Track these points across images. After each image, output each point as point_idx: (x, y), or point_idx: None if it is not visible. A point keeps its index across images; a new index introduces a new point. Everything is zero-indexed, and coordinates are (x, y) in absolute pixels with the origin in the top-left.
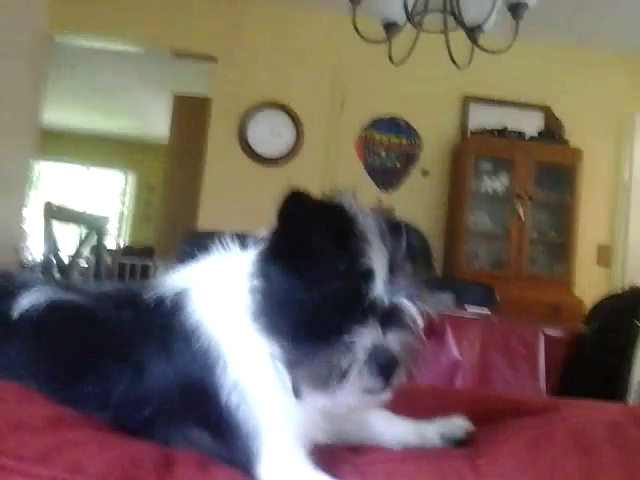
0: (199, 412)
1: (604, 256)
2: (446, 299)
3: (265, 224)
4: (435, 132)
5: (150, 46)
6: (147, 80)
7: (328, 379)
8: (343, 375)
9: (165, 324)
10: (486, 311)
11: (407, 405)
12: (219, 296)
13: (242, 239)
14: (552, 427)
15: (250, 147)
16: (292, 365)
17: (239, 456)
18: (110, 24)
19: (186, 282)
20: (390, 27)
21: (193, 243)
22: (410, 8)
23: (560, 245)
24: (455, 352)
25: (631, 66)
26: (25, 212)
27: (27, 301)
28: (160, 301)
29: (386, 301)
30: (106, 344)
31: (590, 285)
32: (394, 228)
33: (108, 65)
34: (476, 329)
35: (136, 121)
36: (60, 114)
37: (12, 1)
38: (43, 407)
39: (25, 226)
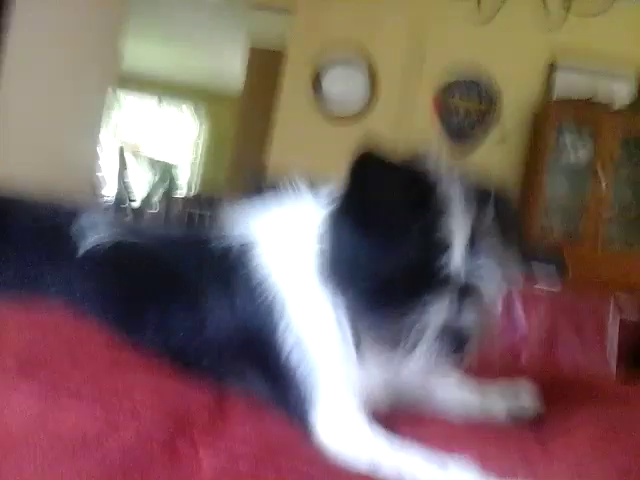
0: (259, 364)
1: None
2: (515, 266)
3: (337, 177)
4: (517, 97)
5: None
6: (223, 29)
7: (395, 347)
8: (411, 346)
9: (229, 275)
10: (557, 286)
11: (471, 372)
12: (286, 252)
13: (312, 185)
14: (626, 402)
15: (323, 101)
16: (360, 327)
17: (294, 404)
18: None
19: (253, 233)
20: None
21: (261, 185)
22: None
23: None
24: (522, 328)
25: None
26: (101, 146)
27: (94, 240)
28: (226, 251)
29: (462, 277)
30: (170, 288)
31: None
32: (482, 196)
33: (188, 10)
34: (546, 304)
35: (211, 70)
36: (142, 57)
37: None
38: (105, 347)
39: (100, 160)
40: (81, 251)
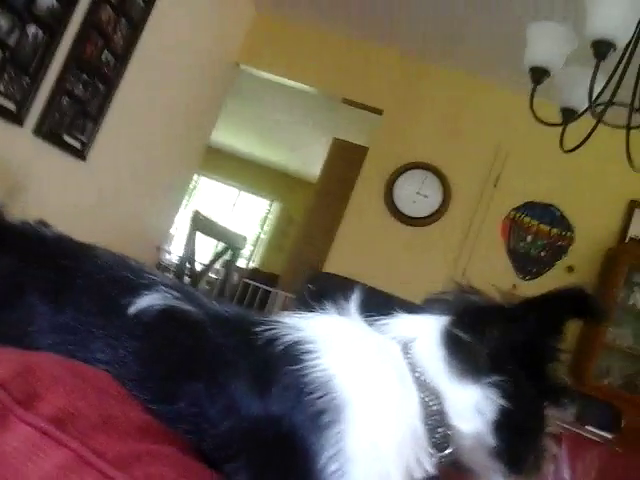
0: (285, 465)
1: None
2: (567, 413)
3: (407, 285)
4: (590, 230)
5: (322, 90)
6: (312, 121)
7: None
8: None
9: (276, 365)
10: (608, 435)
11: None
12: (363, 359)
13: (384, 300)
14: None
15: (394, 203)
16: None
17: None
18: (290, 64)
19: (313, 330)
20: (567, 113)
21: (318, 284)
22: (594, 97)
23: None
24: (566, 475)
25: None
26: (176, 218)
27: (145, 301)
28: (277, 340)
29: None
30: (205, 366)
31: None
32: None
33: (280, 100)
34: (594, 453)
35: (293, 156)
36: (227, 135)
37: (210, 32)
38: (134, 411)
39: (172, 230)
40: (132, 310)
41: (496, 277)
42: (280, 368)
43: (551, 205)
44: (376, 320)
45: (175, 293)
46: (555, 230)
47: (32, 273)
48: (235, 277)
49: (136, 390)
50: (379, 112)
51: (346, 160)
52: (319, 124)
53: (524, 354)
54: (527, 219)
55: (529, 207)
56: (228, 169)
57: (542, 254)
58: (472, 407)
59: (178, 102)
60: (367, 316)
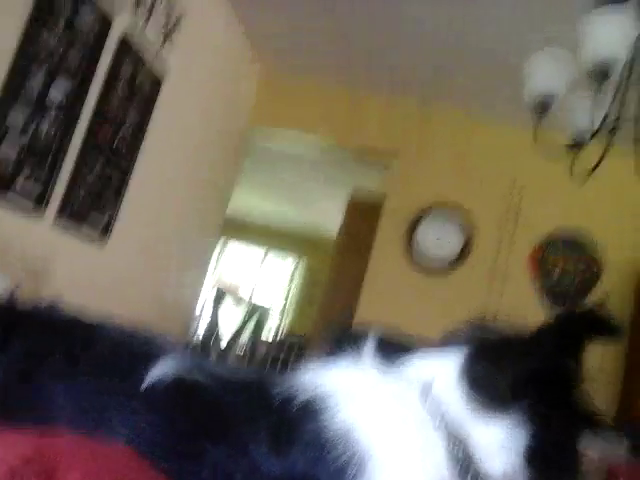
0: None
1: None
2: (619, 446)
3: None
4: (619, 258)
5: (333, 144)
6: (327, 180)
7: None
8: None
9: (296, 424)
10: None
11: None
12: (382, 409)
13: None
14: None
15: (416, 250)
16: None
17: None
18: (303, 119)
19: (331, 385)
20: (576, 141)
21: (344, 339)
22: (599, 123)
23: None
24: None
25: None
26: (203, 290)
27: (157, 373)
28: (295, 399)
29: None
30: (228, 431)
31: None
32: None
33: (295, 163)
34: None
35: (312, 213)
36: (246, 198)
37: (222, 97)
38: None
39: (200, 300)
40: (147, 380)
41: (531, 317)
42: (299, 426)
43: (575, 234)
44: (392, 365)
45: (188, 362)
46: (583, 259)
47: (44, 354)
48: (262, 351)
49: (153, 457)
50: (391, 160)
51: (364, 213)
52: (333, 182)
53: (546, 381)
54: (553, 252)
55: (553, 239)
56: (252, 234)
57: (574, 286)
58: (498, 444)
59: (196, 173)
60: (383, 362)
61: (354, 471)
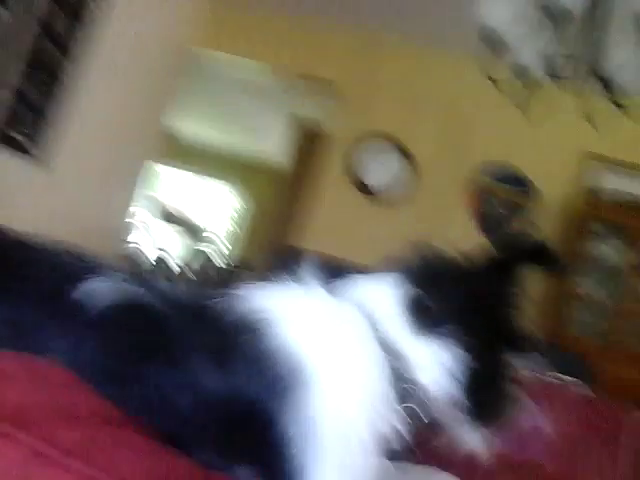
0: (250, 436)
1: None
2: (535, 359)
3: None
4: (553, 187)
5: (276, 70)
6: (269, 104)
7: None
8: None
9: (233, 336)
10: (585, 385)
11: (476, 472)
12: (322, 323)
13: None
14: None
15: (358, 178)
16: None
17: None
18: (245, 43)
19: (267, 300)
20: (522, 74)
21: (285, 263)
22: (546, 58)
23: None
24: (537, 420)
25: None
26: (134, 209)
27: (93, 286)
28: (239, 317)
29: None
30: (163, 345)
31: None
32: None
33: (238, 89)
34: (565, 400)
35: (254, 139)
36: (185, 123)
37: (159, 16)
38: (89, 398)
39: (133, 221)
40: (79, 295)
41: (467, 244)
42: (241, 344)
43: (513, 165)
44: (333, 285)
45: (123, 276)
46: (517, 193)
47: None
48: (208, 270)
49: (91, 377)
50: (335, 88)
51: (307, 138)
52: (276, 104)
53: (483, 305)
54: (492, 183)
55: (492, 171)
56: (192, 158)
57: (509, 215)
58: (434, 361)
59: (132, 91)
60: (323, 283)
61: (292, 383)
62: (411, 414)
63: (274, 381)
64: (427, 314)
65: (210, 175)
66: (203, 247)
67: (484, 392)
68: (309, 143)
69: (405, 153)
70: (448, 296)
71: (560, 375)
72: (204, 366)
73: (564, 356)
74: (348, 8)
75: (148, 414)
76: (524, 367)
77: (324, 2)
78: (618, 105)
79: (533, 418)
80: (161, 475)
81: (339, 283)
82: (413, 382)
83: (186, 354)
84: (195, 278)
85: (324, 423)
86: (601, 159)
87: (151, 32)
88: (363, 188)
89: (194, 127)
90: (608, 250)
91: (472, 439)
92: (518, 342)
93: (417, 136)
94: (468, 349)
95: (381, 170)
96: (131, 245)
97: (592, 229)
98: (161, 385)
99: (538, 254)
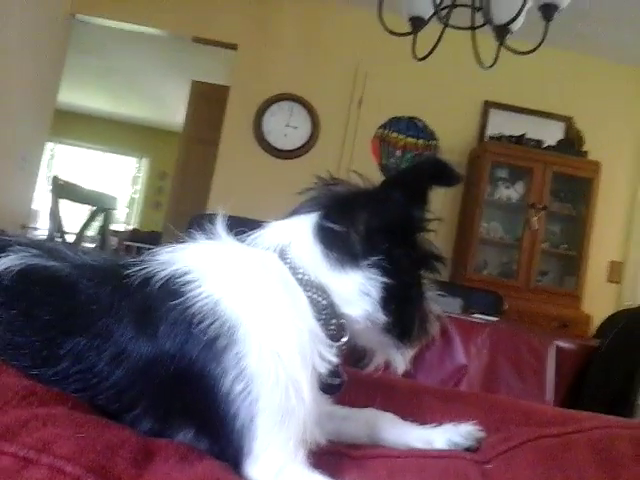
0: (188, 401)
1: (615, 272)
2: (454, 304)
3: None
4: (453, 136)
5: (172, 31)
6: (166, 66)
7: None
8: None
9: (157, 304)
10: (494, 318)
11: (414, 407)
12: (243, 276)
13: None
14: (569, 438)
15: (264, 138)
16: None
17: (228, 450)
18: (133, 8)
19: (187, 261)
20: (416, 21)
21: (200, 225)
22: (438, 2)
23: (571, 258)
24: (462, 357)
25: None
26: (36, 192)
27: (3, 262)
28: (153, 278)
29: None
30: (83, 319)
31: (599, 300)
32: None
33: (128, 48)
34: (484, 335)
35: (153, 106)
36: (77, 95)
37: None
38: (13, 379)
39: (35, 206)
40: None
41: None
42: (163, 305)
43: (414, 117)
44: (247, 237)
45: (34, 251)
46: (421, 141)
47: None
48: (114, 241)
49: (13, 358)
50: (235, 48)
51: (209, 102)
52: (174, 70)
53: (395, 229)
54: (394, 135)
55: (394, 123)
56: (87, 131)
57: (408, 163)
58: (357, 291)
59: (23, 70)
60: (238, 235)
61: (225, 341)
62: (343, 347)
63: (207, 341)
64: (343, 245)
65: (112, 146)
66: (109, 220)
67: (407, 314)
68: (211, 104)
69: (310, 110)
70: (360, 222)
71: (480, 314)
72: (132, 334)
73: (478, 295)
74: None
75: (82, 390)
76: (446, 309)
77: None
78: (512, 51)
79: (458, 353)
80: (101, 448)
81: (254, 233)
82: (341, 316)
83: (111, 325)
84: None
85: (262, 376)
86: (499, 106)
87: (36, 2)
88: (270, 148)
89: (90, 99)
90: (508, 190)
91: (399, 362)
92: (432, 259)
93: (320, 93)
94: (388, 275)
95: (287, 130)
96: (37, 231)
97: (492, 173)
98: (88, 359)
99: (438, 171)
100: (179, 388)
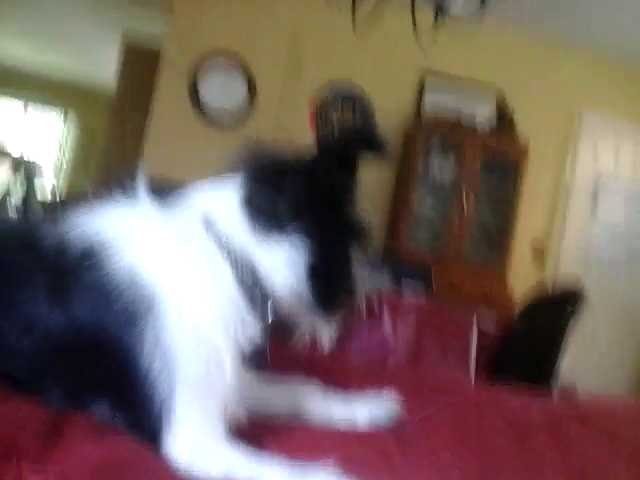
0: (101, 371)
1: (538, 251)
2: (383, 278)
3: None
4: (390, 109)
5: None
6: (97, 21)
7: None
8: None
9: (74, 273)
10: (423, 297)
11: (338, 380)
12: (165, 244)
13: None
14: (483, 408)
15: (199, 101)
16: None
17: (146, 424)
18: None
19: (106, 229)
20: None
21: (122, 185)
22: None
23: (498, 236)
24: (389, 331)
25: (586, 62)
26: None
27: None
28: (70, 247)
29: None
30: None
31: (523, 278)
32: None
33: (59, 4)
34: (411, 309)
35: (83, 68)
36: (5, 49)
37: None
38: None
39: None
40: None
41: None
42: (80, 276)
43: (352, 88)
44: (171, 202)
45: None
46: (357, 117)
47: None
48: (39, 212)
49: None
50: (169, 7)
51: (141, 64)
52: (105, 26)
53: (323, 198)
54: (330, 111)
55: (332, 93)
56: (10, 84)
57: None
58: (282, 260)
59: None
60: (161, 202)
61: (143, 311)
62: (265, 317)
63: (124, 311)
64: (269, 214)
65: (36, 102)
66: (31, 180)
67: (331, 284)
68: (144, 63)
69: (248, 75)
70: (288, 190)
71: (408, 289)
72: (44, 302)
73: (410, 268)
74: None
75: None
76: (375, 283)
77: None
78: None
79: (386, 328)
80: (6, 423)
81: (178, 197)
82: (265, 285)
83: (18, 294)
84: (23, 214)
85: (181, 347)
86: (436, 77)
87: None
88: (202, 109)
89: (13, 49)
90: (441, 167)
91: (325, 333)
92: (359, 234)
93: (259, 58)
94: (314, 244)
95: (223, 94)
96: None
97: (426, 147)
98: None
99: (366, 140)
100: (92, 358)
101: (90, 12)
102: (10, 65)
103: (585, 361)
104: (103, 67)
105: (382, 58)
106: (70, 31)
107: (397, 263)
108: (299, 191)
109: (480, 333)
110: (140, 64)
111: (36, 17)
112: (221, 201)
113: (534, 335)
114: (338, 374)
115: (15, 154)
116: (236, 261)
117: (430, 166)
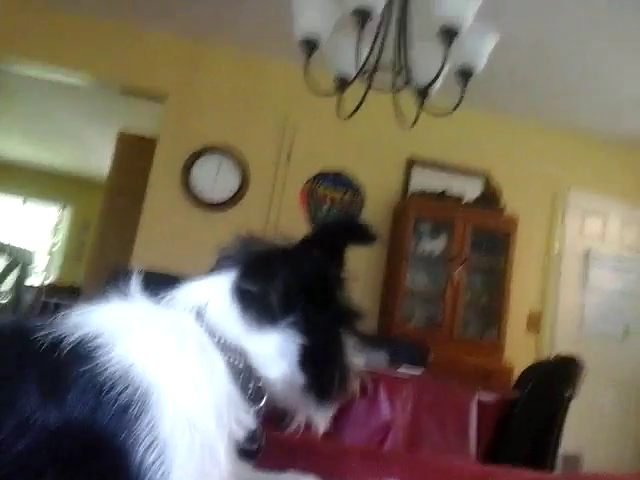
0: (98, 472)
1: (534, 322)
2: (380, 357)
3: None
4: (378, 190)
5: (99, 80)
6: (92, 115)
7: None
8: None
9: (65, 370)
10: (420, 371)
11: (335, 469)
12: (158, 340)
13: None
14: None
15: (192, 190)
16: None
17: None
18: (59, 55)
19: (98, 325)
20: (340, 82)
21: (120, 280)
22: (361, 64)
23: (492, 309)
24: (387, 412)
25: (569, 142)
26: None
27: None
28: (61, 342)
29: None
30: None
31: (520, 350)
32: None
33: (53, 96)
34: (409, 389)
35: (77, 156)
36: (5, 144)
37: None
38: None
39: None
40: None
41: None
42: (71, 371)
43: (340, 172)
44: (163, 297)
45: None
46: (347, 196)
47: None
48: (29, 297)
49: None
50: (164, 99)
51: (136, 153)
52: (100, 119)
53: (312, 288)
54: (321, 189)
55: (322, 177)
56: (8, 180)
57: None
58: (275, 353)
59: None
60: (153, 295)
61: (137, 409)
62: (261, 410)
63: (118, 409)
64: (260, 305)
65: (34, 197)
66: (24, 275)
67: (325, 373)
68: (139, 156)
69: (240, 163)
70: (278, 282)
71: (402, 368)
72: (37, 402)
73: (404, 347)
74: (173, 16)
75: None
76: (372, 363)
77: (148, 9)
78: (432, 113)
79: (383, 409)
80: None
81: (171, 293)
82: (259, 379)
83: (15, 392)
84: (17, 308)
85: (176, 444)
86: (421, 162)
87: None
88: (198, 201)
89: (10, 145)
90: (431, 245)
91: (320, 421)
92: (351, 319)
93: (250, 145)
94: (306, 335)
95: (216, 182)
96: None
97: (416, 227)
98: None
99: (353, 231)
100: (89, 459)
101: (87, 106)
102: (8, 161)
103: (592, 432)
104: (99, 158)
105: (370, 144)
106: (67, 126)
107: (392, 341)
108: (288, 282)
109: (481, 412)
110: (135, 155)
111: (34, 113)
112: (212, 294)
113: (533, 410)
114: (334, 461)
115: (10, 243)
116: (229, 355)
117: (421, 243)
